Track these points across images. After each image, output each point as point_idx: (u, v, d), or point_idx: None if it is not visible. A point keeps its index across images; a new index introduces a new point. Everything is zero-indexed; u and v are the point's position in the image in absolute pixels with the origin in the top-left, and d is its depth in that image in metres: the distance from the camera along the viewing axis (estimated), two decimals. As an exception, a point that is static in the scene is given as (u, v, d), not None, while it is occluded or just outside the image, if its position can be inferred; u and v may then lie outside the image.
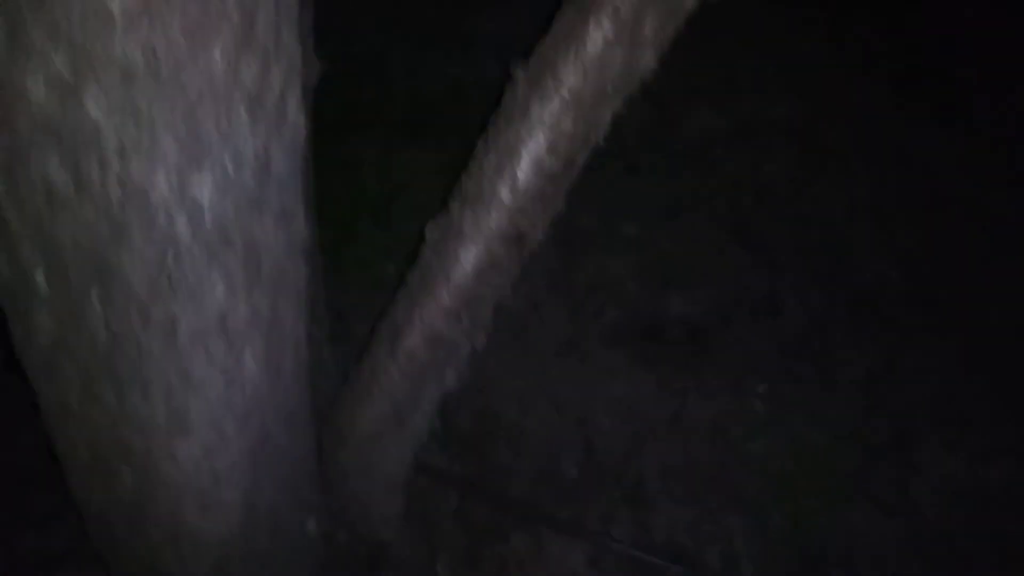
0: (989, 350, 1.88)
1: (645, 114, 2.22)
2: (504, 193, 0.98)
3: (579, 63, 0.88)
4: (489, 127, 1.00)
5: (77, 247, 0.68)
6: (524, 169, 0.96)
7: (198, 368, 0.80)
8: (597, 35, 0.86)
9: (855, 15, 2.74)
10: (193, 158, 0.64)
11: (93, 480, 0.95)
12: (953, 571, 1.54)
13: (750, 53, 2.50)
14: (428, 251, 1.06)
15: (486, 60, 2.45)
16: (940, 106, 2.46)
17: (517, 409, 1.74)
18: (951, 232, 2.12)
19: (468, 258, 1.02)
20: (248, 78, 0.63)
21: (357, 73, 2.24)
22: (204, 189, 0.66)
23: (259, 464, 0.99)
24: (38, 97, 0.57)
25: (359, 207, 2.01)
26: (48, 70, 0.55)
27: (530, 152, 0.95)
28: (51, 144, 0.60)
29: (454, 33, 2.42)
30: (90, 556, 1.17)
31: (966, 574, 1.54)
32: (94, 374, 0.79)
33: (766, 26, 2.62)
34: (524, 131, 0.94)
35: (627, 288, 1.94)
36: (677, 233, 2.06)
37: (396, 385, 1.16)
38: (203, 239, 0.70)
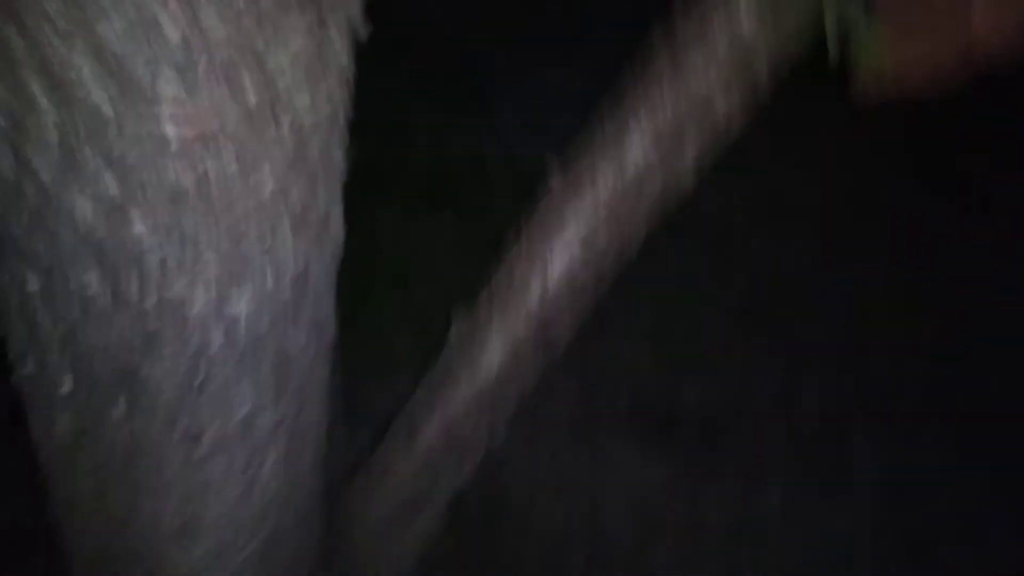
0: (1009, 455, 1.84)
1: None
2: (533, 301, 0.96)
3: (618, 181, 0.87)
4: (521, 228, 0.99)
5: (107, 355, 0.66)
6: (555, 280, 0.95)
7: (217, 475, 0.77)
8: (638, 155, 0.86)
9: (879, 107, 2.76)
10: (234, 274, 0.63)
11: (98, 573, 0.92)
12: None
13: (769, 135, 2.52)
14: (452, 349, 1.04)
15: (511, 131, 2.48)
16: (964, 198, 2.46)
17: (526, 493, 1.70)
18: (972, 327, 2.10)
19: (492, 362, 1.00)
20: (295, 197, 0.63)
21: (379, 135, 2.26)
22: (242, 303, 0.65)
23: (268, 558, 0.96)
24: (84, 214, 0.56)
25: (375, 272, 2.00)
26: (97, 189, 0.54)
27: (562, 264, 0.94)
28: (92, 257, 0.59)
29: (481, 101, 2.45)
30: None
31: None
32: (109, 477, 0.77)
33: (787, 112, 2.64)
34: (557, 242, 0.94)
35: (642, 375, 1.92)
36: (693, 319, 2.04)
37: (409, 480, 1.13)
38: (236, 350, 0.68)
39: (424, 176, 2.23)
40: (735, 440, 1.82)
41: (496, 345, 0.99)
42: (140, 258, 0.59)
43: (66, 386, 0.69)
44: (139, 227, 0.57)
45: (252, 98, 0.53)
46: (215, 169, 0.56)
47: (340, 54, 0.59)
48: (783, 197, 2.39)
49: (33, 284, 0.61)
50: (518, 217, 0.98)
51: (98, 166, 0.53)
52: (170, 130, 0.52)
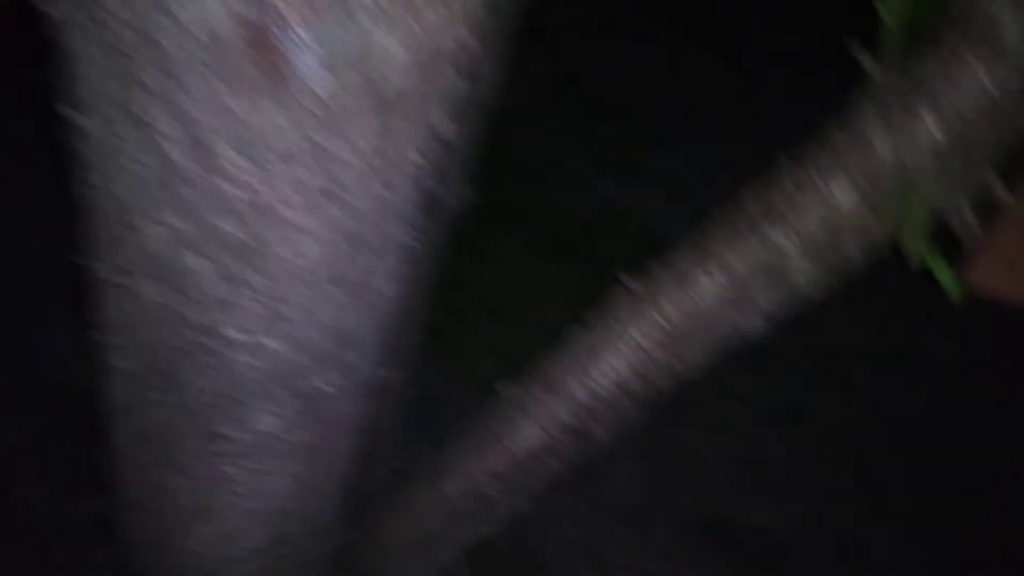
0: None
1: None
2: (577, 389, 0.97)
3: (686, 307, 0.86)
4: (589, 318, 1.00)
5: (155, 350, 0.74)
6: (604, 375, 0.95)
7: (232, 470, 0.84)
8: (713, 289, 0.84)
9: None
10: (273, 319, 0.68)
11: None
12: None
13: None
14: (492, 409, 1.07)
15: (653, 196, 2.46)
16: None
17: (561, 559, 1.69)
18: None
19: (526, 435, 1.01)
20: (345, 268, 0.67)
21: (523, 174, 2.32)
22: (276, 341, 0.71)
23: (278, 558, 1.02)
24: (158, 240, 0.63)
25: (477, 304, 2.05)
26: (170, 223, 0.61)
27: (614, 364, 0.94)
28: (160, 273, 0.66)
29: (627, 163, 2.45)
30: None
31: None
32: (145, 447, 0.86)
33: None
34: (615, 342, 0.94)
35: (713, 477, 1.86)
36: (778, 436, 1.96)
37: (428, 522, 1.16)
38: (264, 375, 0.74)
39: (554, 221, 2.26)
40: (793, 564, 1.73)
41: (532, 420, 1.01)
42: (197, 284, 0.65)
43: (121, 362, 0.78)
44: (197, 261, 0.63)
45: (313, 181, 0.58)
46: (270, 232, 0.61)
47: (410, 150, 0.63)
48: (867, 355, 2.23)
49: (117, 279, 0.69)
50: (635, 278, 0.98)
51: (170, 205, 0.60)
52: (231, 193, 0.57)
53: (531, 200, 2.24)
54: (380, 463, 1.37)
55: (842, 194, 0.75)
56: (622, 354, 0.94)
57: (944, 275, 0.68)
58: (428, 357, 1.39)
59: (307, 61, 0.48)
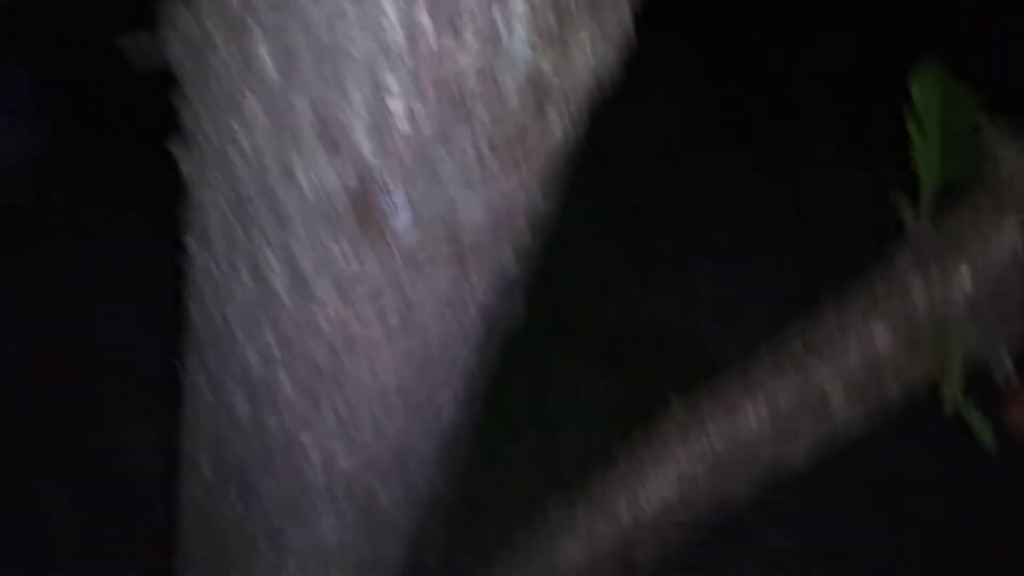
0: None
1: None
2: (624, 513, 0.99)
3: (734, 438, 0.90)
4: (636, 440, 1.03)
5: (234, 457, 0.80)
6: (650, 500, 0.98)
7: (292, 552, 0.88)
8: (757, 420, 0.88)
9: None
10: (343, 432, 0.74)
11: None
12: None
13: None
14: (540, 531, 1.09)
15: (702, 314, 2.50)
16: None
17: None
18: None
19: (571, 558, 1.03)
20: (413, 390, 0.73)
21: (569, 292, 2.38)
22: (343, 452, 0.76)
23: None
24: (250, 359, 0.70)
25: (526, 414, 2.09)
26: (260, 343, 0.69)
27: (660, 489, 0.97)
28: (243, 387, 0.73)
29: (677, 281, 2.51)
30: None
31: None
32: (218, 539, 0.91)
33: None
34: (662, 466, 0.97)
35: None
36: None
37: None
38: (328, 479, 0.79)
39: (604, 336, 2.31)
40: None
41: (577, 544, 1.03)
42: (282, 398, 0.72)
43: (199, 462, 0.84)
44: (285, 378, 0.70)
45: (394, 315, 0.65)
46: (352, 358, 0.68)
47: (481, 289, 0.70)
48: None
49: (209, 386, 0.77)
50: (681, 397, 1.01)
51: (268, 328, 0.68)
52: (323, 322, 0.65)
53: (582, 315, 2.30)
54: (425, 571, 1.39)
55: (881, 337, 0.79)
56: (668, 479, 0.97)
57: (977, 421, 0.70)
58: (475, 466, 1.43)
59: (400, 217, 0.56)
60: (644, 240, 2.60)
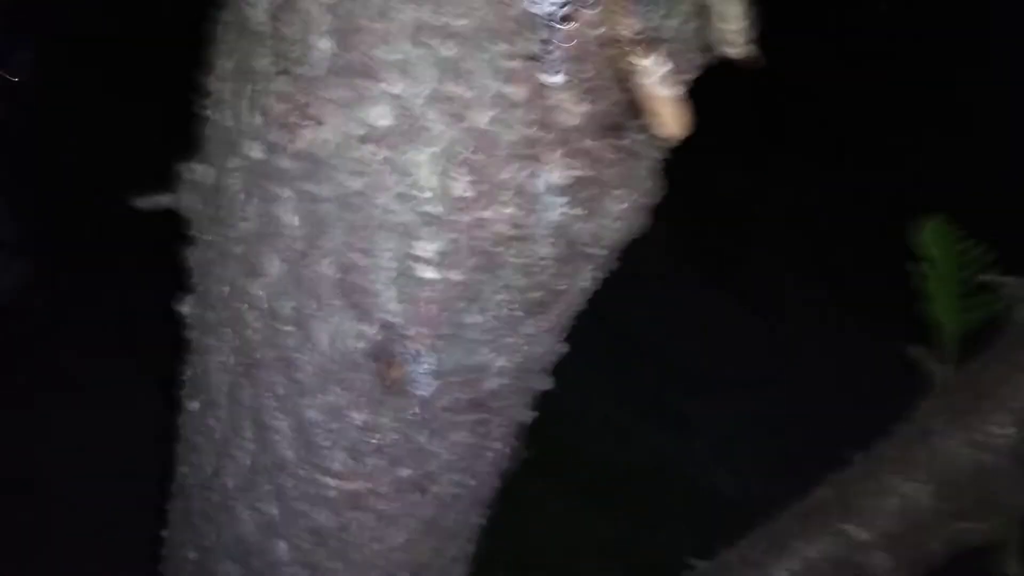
0: None
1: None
2: None
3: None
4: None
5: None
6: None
7: None
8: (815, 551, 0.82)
9: None
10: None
11: None
12: None
13: None
14: None
15: (692, 444, 2.44)
16: None
17: None
18: None
19: None
20: (421, 550, 0.68)
21: (558, 425, 2.32)
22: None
23: None
24: (246, 527, 0.65)
25: (520, 554, 1.98)
26: (258, 511, 0.63)
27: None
28: (239, 559, 0.67)
29: (668, 411, 2.47)
30: None
31: None
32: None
33: None
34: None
35: None
36: None
37: None
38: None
39: (599, 473, 2.24)
40: None
41: None
42: (277, 568, 0.66)
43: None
44: (282, 547, 0.64)
45: (405, 472, 0.61)
46: (355, 520, 0.62)
47: (496, 443, 0.65)
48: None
49: (188, 559, 0.70)
50: (680, 535, 0.94)
51: (268, 493, 0.62)
52: (331, 487, 0.60)
53: (571, 449, 2.23)
54: None
55: (916, 490, 0.75)
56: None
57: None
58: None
59: (420, 372, 0.52)
60: (630, 369, 2.58)
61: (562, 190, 0.46)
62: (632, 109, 0.46)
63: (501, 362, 0.54)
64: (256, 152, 0.46)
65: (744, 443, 2.54)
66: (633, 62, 0.35)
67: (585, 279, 0.55)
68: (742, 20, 0.33)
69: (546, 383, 0.62)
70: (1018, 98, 2.81)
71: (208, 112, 0.51)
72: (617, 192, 0.50)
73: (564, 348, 0.60)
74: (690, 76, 0.47)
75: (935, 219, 0.90)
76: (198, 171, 0.52)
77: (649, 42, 0.36)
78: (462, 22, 0.40)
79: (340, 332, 0.49)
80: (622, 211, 0.51)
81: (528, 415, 0.69)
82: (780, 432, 2.38)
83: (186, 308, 0.57)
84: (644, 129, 0.48)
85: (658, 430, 2.39)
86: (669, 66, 0.35)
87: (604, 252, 0.53)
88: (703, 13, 0.44)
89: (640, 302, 2.77)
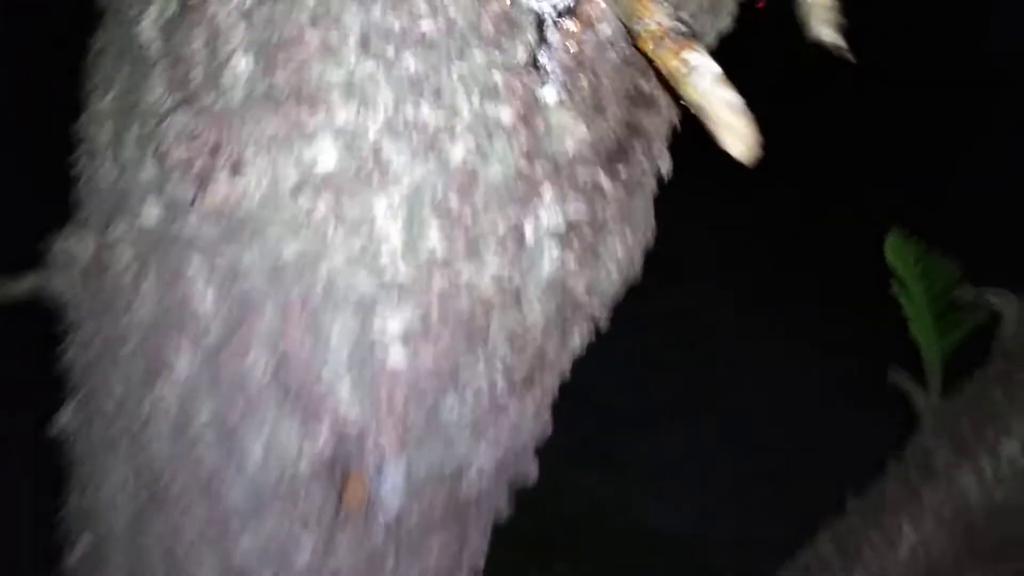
0: None
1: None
2: None
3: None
4: None
5: None
6: None
7: None
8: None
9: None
10: None
11: None
12: None
13: None
14: None
15: (633, 485, 2.37)
16: None
17: None
18: None
19: None
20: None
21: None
22: None
23: None
24: None
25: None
26: None
27: None
28: None
29: (603, 453, 2.39)
30: None
31: None
32: None
33: None
34: None
35: None
36: None
37: None
38: None
39: (540, 524, 2.13)
40: None
41: None
42: None
43: None
44: None
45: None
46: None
47: (477, 550, 0.54)
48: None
49: None
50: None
51: None
52: None
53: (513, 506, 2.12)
54: None
55: (928, 536, 0.68)
56: None
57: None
58: None
59: (388, 485, 0.41)
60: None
61: (555, 234, 0.37)
62: (635, 127, 0.38)
63: (483, 457, 0.43)
64: (151, 213, 0.34)
65: (679, 479, 2.48)
66: (670, 61, 0.26)
67: (576, 338, 0.45)
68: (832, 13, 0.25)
69: (533, 468, 0.51)
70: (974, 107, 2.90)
71: (82, 166, 0.39)
72: (615, 232, 0.41)
73: (550, 426, 0.50)
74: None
75: (896, 234, 0.86)
76: (72, 243, 0.39)
77: (688, 34, 0.27)
78: (427, 25, 0.30)
79: (278, 442, 0.37)
80: (620, 255, 0.42)
81: (508, 504, 0.58)
82: (721, 465, 2.34)
83: (64, 419, 0.44)
84: (648, 152, 0.39)
85: (597, 472, 2.31)
86: (714, 65, 0.26)
87: (598, 304, 0.44)
88: (715, 6, 0.36)
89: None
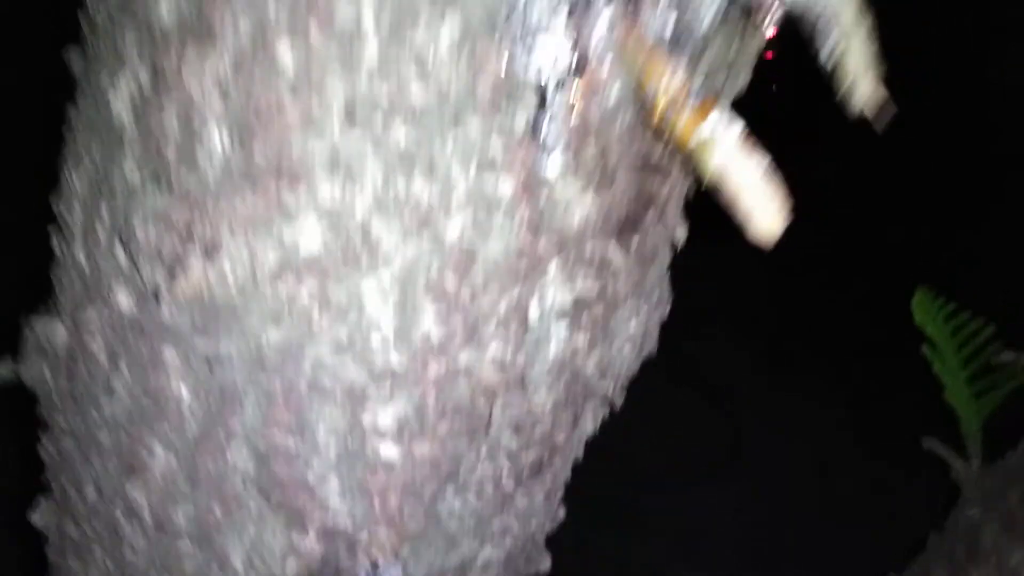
0: None
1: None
2: None
3: None
4: None
5: None
6: None
7: None
8: None
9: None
10: None
11: None
12: None
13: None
14: None
15: (656, 544, 2.29)
16: None
17: None
18: None
19: None
20: None
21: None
22: None
23: None
24: None
25: None
26: None
27: None
28: None
29: (626, 512, 2.32)
30: None
31: None
32: None
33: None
34: None
35: None
36: None
37: None
38: None
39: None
40: None
41: None
42: None
43: None
44: None
45: None
46: None
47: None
48: None
49: None
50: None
51: None
52: None
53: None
54: None
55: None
56: None
57: None
58: None
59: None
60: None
61: (562, 313, 0.34)
62: (647, 196, 0.35)
63: (487, 554, 0.39)
64: (123, 300, 0.32)
65: (704, 536, 2.40)
66: (690, 130, 0.24)
67: (589, 422, 0.42)
68: (871, 62, 0.23)
69: (544, 559, 0.47)
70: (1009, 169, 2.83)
71: (58, 248, 0.36)
72: (628, 307, 0.37)
73: (562, 514, 0.46)
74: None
75: (923, 292, 0.82)
76: (45, 330, 0.37)
77: (704, 99, 0.24)
78: (417, 93, 0.27)
79: (262, 547, 0.34)
80: (634, 331, 0.39)
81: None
82: (738, 524, 2.26)
83: (39, 519, 0.41)
84: (662, 221, 0.36)
85: (617, 532, 2.23)
86: (740, 127, 0.24)
87: (612, 385, 0.40)
88: (733, 65, 0.33)
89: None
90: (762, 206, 0.23)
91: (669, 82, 0.25)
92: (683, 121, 0.24)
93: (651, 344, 0.41)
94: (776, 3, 0.24)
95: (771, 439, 2.56)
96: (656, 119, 0.25)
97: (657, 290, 0.40)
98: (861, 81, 0.22)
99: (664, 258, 0.40)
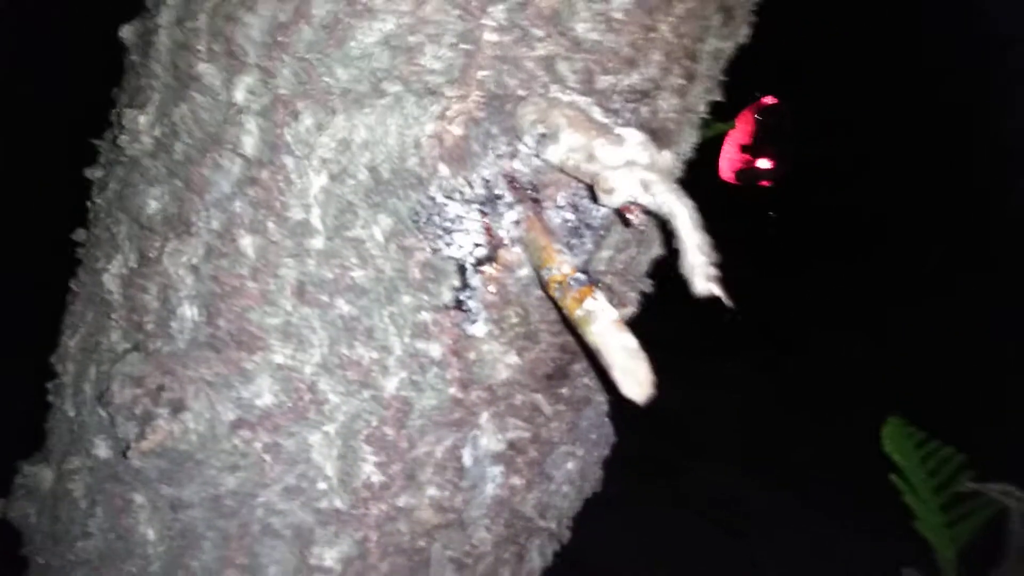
0: None
1: None
2: None
3: None
4: None
5: None
6: None
7: None
8: None
9: None
10: None
11: None
12: None
13: None
14: None
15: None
16: None
17: None
18: None
19: None
20: None
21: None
22: None
23: None
24: None
25: None
26: None
27: None
28: None
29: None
30: None
31: None
32: None
33: None
34: None
35: None
36: None
37: None
38: None
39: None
40: None
41: None
42: None
43: None
44: None
45: None
46: None
47: None
48: None
49: None
50: None
51: None
52: None
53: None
54: None
55: None
56: None
57: None
58: None
59: None
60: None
61: (496, 458, 0.37)
62: (571, 351, 0.39)
63: None
64: (101, 450, 0.36)
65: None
66: (573, 308, 0.28)
67: (536, 558, 0.44)
68: (709, 253, 0.27)
69: None
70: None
71: (52, 400, 0.41)
72: (563, 450, 0.41)
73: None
74: (631, 312, 0.40)
75: (893, 421, 0.85)
76: (33, 474, 0.41)
77: (587, 282, 0.29)
78: (357, 273, 0.33)
79: None
80: (571, 471, 0.42)
81: None
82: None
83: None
84: (591, 371, 0.41)
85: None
86: (617, 310, 0.28)
87: (556, 523, 0.43)
88: (642, 242, 0.38)
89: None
90: (631, 371, 0.27)
91: (559, 268, 0.29)
92: (568, 300, 0.28)
93: (593, 483, 0.44)
94: (636, 209, 0.29)
95: (779, 561, 2.49)
96: (549, 295, 0.30)
97: (597, 432, 0.44)
98: (697, 274, 0.27)
99: (600, 402, 0.43)
